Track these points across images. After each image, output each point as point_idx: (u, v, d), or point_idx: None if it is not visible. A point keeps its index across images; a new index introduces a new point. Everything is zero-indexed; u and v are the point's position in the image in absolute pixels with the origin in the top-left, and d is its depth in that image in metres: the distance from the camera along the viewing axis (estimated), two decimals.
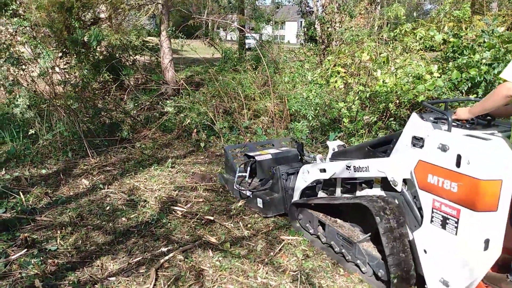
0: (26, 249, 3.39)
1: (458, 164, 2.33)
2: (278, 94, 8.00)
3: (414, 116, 2.73)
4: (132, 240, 3.58)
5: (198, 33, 10.95)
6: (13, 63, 8.01)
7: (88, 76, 8.00)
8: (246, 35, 16.06)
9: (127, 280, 2.98)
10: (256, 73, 9.37)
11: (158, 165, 5.94)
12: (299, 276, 3.07)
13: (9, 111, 7.18)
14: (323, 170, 3.54)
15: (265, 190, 4.30)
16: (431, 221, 2.56)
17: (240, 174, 4.62)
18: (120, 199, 4.58)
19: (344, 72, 6.16)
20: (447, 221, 2.45)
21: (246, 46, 17.05)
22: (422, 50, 6.35)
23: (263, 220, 4.07)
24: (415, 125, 2.68)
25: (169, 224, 3.91)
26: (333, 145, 3.73)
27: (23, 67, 7.74)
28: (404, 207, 2.86)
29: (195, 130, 7.63)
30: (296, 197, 3.93)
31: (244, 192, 4.50)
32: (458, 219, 2.38)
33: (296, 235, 3.72)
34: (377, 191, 3.11)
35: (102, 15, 10.35)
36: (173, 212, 4.22)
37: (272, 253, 3.40)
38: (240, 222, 3.98)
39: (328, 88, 7.27)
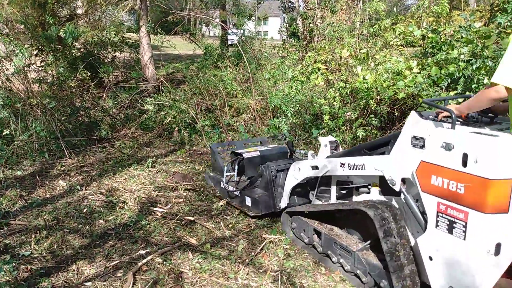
0: None
1: (464, 164, 2.21)
2: (260, 91, 7.95)
3: (413, 114, 2.57)
4: (109, 243, 3.49)
5: (177, 29, 10.78)
6: None
7: (64, 74, 7.79)
8: (228, 31, 15.95)
9: (104, 285, 2.90)
10: (238, 69, 9.30)
11: (138, 165, 5.83)
12: (280, 276, 3.03)
13: None
14: (315, 167, 3.40)
15: (254, 188, 4.15)
16: (436, 225, 2.43)
17: (228, 173, 4.47)
18: (98, 200, 4.47)
19: (325, 69, 6.14)
20: (454, 225, 2.32)
21: (229, 42, 16.95)
22: (402, 46, 6.39)
23: (245, 220, 4.02)
24: (415, 124, 2.53)
25: (148, 226, 3.83)
26: (325, 141, 3.59)
27: None
28: (406, 212, 2.73)
29: (176, 129, 7.54)
30: (286, 195, 3.82)
31: (232, 190, 4.34)
32: (466, 223, 2.25)
33: (278, 234, 3.69)
34: (375, 196, 2.97)
35: (78, 11, 10.10)
36: (153, 213, 4.14)
37: (253, 253, 3.36)
38: (221, 222, 3.92)
39: (309, 85, 7.26)
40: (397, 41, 6.05)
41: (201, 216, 4.06)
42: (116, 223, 3.89)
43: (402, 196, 2.68)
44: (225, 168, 4.49)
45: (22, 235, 3.64)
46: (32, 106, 6.78)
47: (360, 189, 3.11)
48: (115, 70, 9.51)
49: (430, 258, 2.49)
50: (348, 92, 5.50)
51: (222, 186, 4.51)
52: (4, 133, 6.33)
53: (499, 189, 2.13)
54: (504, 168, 2.11)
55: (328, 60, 6.18)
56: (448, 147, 2.30)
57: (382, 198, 2.91)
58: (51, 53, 8.77)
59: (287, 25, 15.09)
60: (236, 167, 4.49)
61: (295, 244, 3.55)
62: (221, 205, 4.33)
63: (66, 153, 6.08)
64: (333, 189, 3.41)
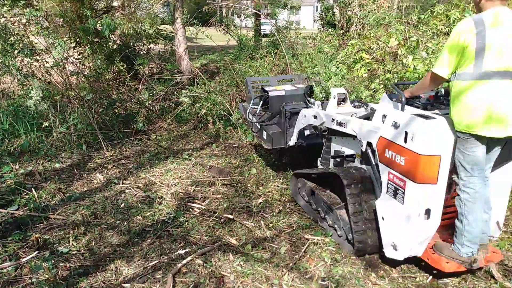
0: (37, 251, 3.22)
1: (405, 140, 2.58)
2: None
3: (384, 96, 3.09)
4: (147, 241, 3.38)
5: (214, 20, 10.62)
6: (26, 54, 7.89)
7: (101, 66, 7.80)
8: (262, 21, 15.65)
9: (143, 287, 2.78)
10: (274, 60, 9.04)
11: (174, 158, 5.73)
12: (329, 284, 2.81)
13: (23, 103, 7.05)
14: (315, 117, 3.88)
15: (272, 125, 4.66)
16: (387, 191, 2.82)
17: (253, 106, 4.96)
18: (135, 195, 4.38)
19: (369, 59, 5.77)
20: (397, 191, 2.70)
21: (262, 33, 16.65)
22: None
23: (286, 219, 3.81)
24: (383, 104, 3.06)
25: (186, 223, 3.69)
26: (335, 92, 3.88)
27: (37, 58, 7.60)
28: (375, 179, 3.07)
29: (211, 121, 7.40)
30: (294, 135, 4.32)
31: (255, 123, 4.88)
32: (404, 190, 2.63)
33: (322, 235, 3.45)
34: (357, 164, 3.41)
35: (115, 3, 10.11)
36: (191, 210, 4.00)
37: (297, 256, 3.15)
38: (262, 221, 3.73)
39: (350, 76, 6.91)
40: (450, 29, 5.59)
41: (240, 214, 3.88)
42: (154, 219, 3.78)
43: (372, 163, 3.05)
44: (252, 101, 5.00)
45: (61, 230, 3.59)
46: (70, 99, 6.82)
47: (348, 158, 3.56)
48: (151, 62, 9.45)
49: (382, 218, 2.89)
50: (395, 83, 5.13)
51: (248, 117, 5.03)
52: (43, 125, 6.39)
53: (428, 163, 2.49)
54: (433, 146, 2.49)
55: (374, 49, 5.79)
56: (396, 125, 2.68)
57: (360, 166, 3.34)
58: (89, 46, 8.84)
59: (323, 13, 14.61)
60: (262, 102, 4.89)
61: (340, 247, 3.31)
62: (260, 202, 4.14)
63: (103, 145, 6.07)
64: (331, 159, 3.86)
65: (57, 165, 5.46)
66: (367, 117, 3.33)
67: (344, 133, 3.43)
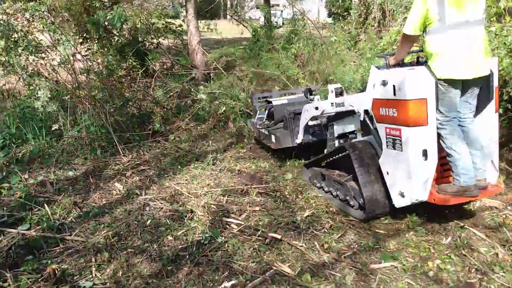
0: (55, 286, 2.71)
1: (394, 93, 2.88)
2: (323, 73, 7.10)
3: (372, 68, 3.29)
4: (184, 270, 2.85)
5: (230, 11, 10.04)
6: (31, 51, 7.36)
7: (112, 62, 7.26)
8: (272, 11, 14.98)
9: None
10: (294, 51, 8.44)
11: (198, 162, 5.20)
12: None
13: (30, 104, 6.53)
14: (317, 108, 4.20)
15: (278, 129, 5.04)
16: (387, 146, 3.06)
17: (260, 116, 5.49)
18: (162, 209, 3.85)
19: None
20: (395, 141, 2.95)
21: (274, 23, 15.98)
22: None
23: (341, 237, 3.27)
24: (373, 74, 3.22)
25: (226, 244, 3.16)
26: (331, 87, 4.10)
27: (43, 55, 7.08)
28: (376, 143, 3.34)
29: (231, 119, 6.85)
30: (300, 132, 4.61)
31: (262, 131, 5.29)
32: (400, 138, 2.89)
33: (390, 259, 2.90)
34: (359, 138, 3.72)
35: None
36: (228, 227, 3.47)
37: None
38: (314, 241, 3.18)
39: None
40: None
41: (286, 232, 3.34)
42: (188, 240, 3.25)
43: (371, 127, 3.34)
44: (258, 112, 5.54)
45: (81, 257, 3.06)
46: (81, 98, 6.30)
47: (350, 135, 3.93)
48: (162, 57, 8.87)
49: (387, 173, 3.11)
50: None
51: (256, 127, 5.46)
52: (53, 129, 5.88)
53: (416, 107, 2.78)
54: (419, 90, 2.80)
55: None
56: (384, 83, 2.98)
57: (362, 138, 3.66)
58: (97, 41, 8.29)
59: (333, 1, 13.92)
60: (267, 112, 5.46)
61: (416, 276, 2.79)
62: (306, 216, 3.60)
63: (119, 149, 5.55)
64: (336, 142, 4.14)
65: (70, 173, 4.95)
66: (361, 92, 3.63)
67: (344, 114, 3.86)
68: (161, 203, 3.96)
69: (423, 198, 2.98)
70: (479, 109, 3.11)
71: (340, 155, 3.70)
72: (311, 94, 4.98)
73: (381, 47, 6.67)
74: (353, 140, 3.78)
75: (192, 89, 7.61)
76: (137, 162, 5.24)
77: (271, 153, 5.41)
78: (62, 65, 6.67)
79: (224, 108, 6.87)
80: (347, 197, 3.57)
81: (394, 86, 2.89)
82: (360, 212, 3.47)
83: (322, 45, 8.15)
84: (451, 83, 2.85)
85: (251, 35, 10.60)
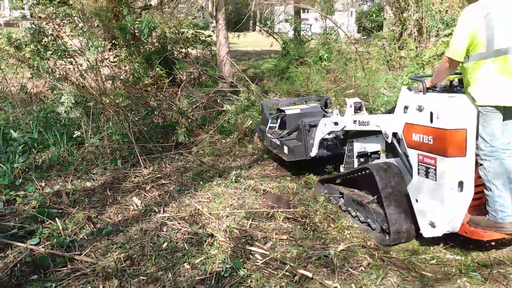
0: None
1: (431, 120, 2.79)
2: (357, 91, 6.71)
3: (403, 89, 3.21)
4: None
5: (258, 23, 9.81)
6: (60, 56, 7.30)
7: (139, 70, 7.09)
8: (303, 25, 14.71)
9: None
10: (325, 66, 8.11)
11: (221, 179, 4.88)
12: None
13: (55, 109, 6.41)
14: (336, 123, 4.16)
15: (291, 140, 4.92)
16: (418, 173, 2.97)
17: (271, 125, 5.29)
18: (180, 230, 3.53)
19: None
20: (429, 170, 2.85)
21: (302, 37, 15.73)
22: None
23: (381, 278, 2.85)
24: (404, 96, 3.15)
25: (249, 279, 2.80)
26: (350, 102, 4.08)
27: (71, 60, 6.98)
28: (404, 167, 3.25)
29: (256, 134, 6.52)
30: (315, 146, 4.54)
31: (274, 140, 5.13)
32: (435, 167, 2.79)
33: None
34: (383, 159, 3.58)
35: (152, 2, 9.45)
36: (251, 257, 3.11)
37: None
38: (351, 283, 2.78)
39: None
40: None
41: (318, 269, 2.95)
42: (206, 270, 2.91)
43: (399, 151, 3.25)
44: (270, 120, 5.31)
45: (88, 282, 2.76)
46: (105, 105, 6.12)
47: (373, 156, 3.79)
48: (190, 67, 8.68)
49: (416, 201, 3.02)
50: None
51: (267, 136, 5.28)
52: (75, 135, 5.71)
53: (455, 137, 2.74)
54: (458, 120, 2.76)
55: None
56: (420, 108, 2.92)
57: (386, 159, 3.52)
58: (125, 47, 8.18)
59: (372, 15, 13.55)
60: (279, 121, 5.28)
61: None
62: (341, 250, 3.20)
63: (140, 160, 5.30)
64: (355, 159, 4.06)
65: (88, 184, 4.72)
66: (388, 112, 3.56)
67: (366, 132, 3.73)
68: (180, 224, 3.65)
69: (454, 229, 2.93)
70: None
71: (361, 173, 3.61)
72: (327, 107, 5.03)
73: (425, 60, 6.25)
74: (376, 161, 3.68)
75: (219, 100, 7.34)
76: (158, 175, 4.97)
77: (291, 170, 5.05)
78: (89, 70, 6.55)
79: (250, 122, 6.58)
80: (369, 220, 3.50)
81: (431, 113, 2.81)
82: (382, 236, 3.37)
83: (356, 61, 7.79)
84: (495, 110, 2.77)
85: (280, 47, 10.38)
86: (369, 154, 3.84)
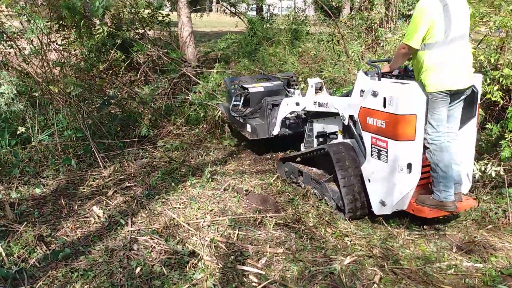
0: None
1: (384, 105, 2.93)
2: (338, 74, 6.26)
3: (360, 73, 3.32)
4: None
5: (221, 2, 9.09)
6: None
7: (92, 54, 6.26)
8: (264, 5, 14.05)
9: None
10: (298, 47, 7.59)
11: (195, 178, 4.31)
12: None
13: None
14: (298, 104, 4.29)
15: (254, 118, 4.95)
16: (371, 154, 3.13)
17: (235, 102, 5.19)
18: (154, 248, 2.96)
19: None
20: (381, 152, 3.03)
21: (265, 16, 15.08)
22: None
23: None
24: (361, 80, 3.24)
25: None
26: (312, 82, 4.11)
27: (11, 43, 6.01)
28: (359, 149, 3.36)
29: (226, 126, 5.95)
30: (277, 125, 4.67)
31: (237, 118, 5.11)
32: (387, 149, 2.96)
33: None
34: (340, 140, 3.73)
35: None
36: (245, 279, 2.61)
37: None
38: None
39: None
40: None
41: None
42: None
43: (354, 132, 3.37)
44: (233, 98, 5.19)
45: None
46: (53, 95, 5.30)
47: (331, 136, 3.94)
48: (150, 49, 7.84)
49: (369, 180, 3.21)
50: None
51: (230, 113, 5.21)
52: (18, 132, 4.87)
53: (406, 122, 2.86)
54: (409, 106, 2.86)
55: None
56: (374, 94, 3.01)
57: (343, 140, 3.68)
58: (74, 29, 7.24)
59: None
60: (242, 98, 5.18)
61: None
62: (348, 264, 2.77)
63: (98, 158, 4.60)
64: (315, 139, 4.18)
65: (38, 191, 4.00)
66: (347, 96, 3.68)
67: (326, 113, 3.84)
68: (153, 239, 3.07)
69: (402, 208, 3.09)
70: (461, 123, 3.17)
71: (319, 153, 3.74)
72: (289, 86, 4.98)
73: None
74: (334, 141, 3.82)
75: (183, 88, 6.67)
76: (121, 177, 4.31)
77: (270, 165, 4.57)
78: (33, 55, 5.66)
79: (221, 111, 5.98)
80: (325, 197, 3.66)
81: (384, 99, 2.90)
82: (340, 214, 3.51)
83: (332, 42, 7.32)
84: (445, 96, 2.89)
85: (246, 28, 9.73)
86: (327, 134, 3.99)
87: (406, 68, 3.35)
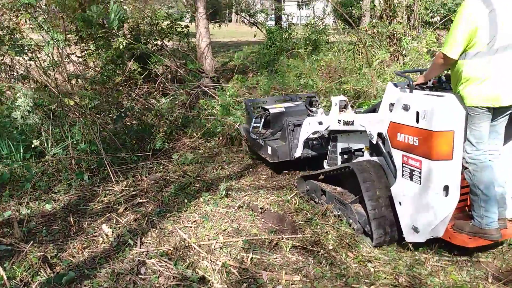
0: None
1: (417, 120, 2.63)
2: (356, 86, 6.03)
3: (389, 85, 3.04)
4: None
5: (239, 12, 9.00)
6: (17, 51, 6.33)
7: (108, 66, 6.22)
8: (283, 15, 13.94)
9: None
10: (320, 58, 7.39)
11: (209, 194, 4.14)
12: None
13: (10, 113, 5.47)
14: (320, 123, 4.03)
15: (275, 140, 4.74)
16: (402, 175, 2.84)
17: (255, 124, 4.96)
18: (163, 273, 2.78)
19: None
20: (413, 172, 2.72)
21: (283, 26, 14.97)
22: None
23: None
24: (390, 92, 2.97)
25: None
26: (335, 100, 3.85)
27: (32, 55, 6.02)
28: (387, 167, 3.08)
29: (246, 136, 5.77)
30: (300, 146, 4.38)
31: (257, 140, 4.86)
32: (420, 170, 2.66)
33: None
34: (366, 157, 3.44)
35: None
36: None
37: None
38: None
39: None
40: None
41: None
42: None
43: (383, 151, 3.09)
44: (253, 120, 4.95)
45: None
46: (70, 107, 5.26)
47: (356, 153, 3.67)
48: (167, 61, 7.80)
49: (400, 203, 2.89)
50: None
51: (250, 136, 4.95)
52: (33, 145, 4.83)
53: (442, 140, 2.56)
54: (446, 121, 2.56)
55: None
56: (406, 107, 2.73)
57: (370, 158, 3.38)
58: (93, 41, 7.25)
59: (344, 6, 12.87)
60: (263, 120, 4.98)
61: None
62: None
63: (111, 173, 4.49)
64: (339, 156, 3.92)
65: (48, 207, 3.90)
66: (373, 110, 3.35)
67: (351, 131, 3.58)
68: (162, 262, 2.89)
69: (438, 235, 2.78)
70: (505, 140, 2.88)
71: (344, 171, 3.47)
72: (312, 106, 4.72)
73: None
74: (360, 159, 3.54)
75: (202, 98, 6.55)
76: (133, 192, 4.18)
77: (288, 180, 4.35)
78: (51, 67, 5.64)
79: (239, 123, 5.81)
80: (351, 220, 3.37)
81: (417, 113, 2.64)
82: (365, 238, 3.23)
83: (353, 52, 7.07)
84: (486, 110, 2.60)
85: (265, 38, 9.60)
86: (352, 151, 3.73)
87: (440, 79, 3.07)
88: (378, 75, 5.92)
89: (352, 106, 4.23)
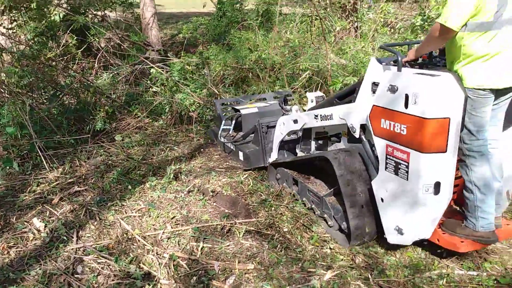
0: None
1: (406, 105, 2.22)
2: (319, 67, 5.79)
3: (372, 60, 2.60)
4: None
5: None
6: None
7: (39, 39, 5.59)
8: None
9: None
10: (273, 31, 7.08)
11: (155, 178, 3.84)
12: None
13: None
14: (296, 121, 3.53)
15: (247, 143, 4.31)
16: (386, 167, 2.44)
17: (225, 127, 4.55)
18: (103, 269, 2.50)
19: None
20: (399, 166, 2.33)
21: None
22: None
23: None
24: (373, 70, 2.56)
25: None
26: (312, 96, 3.61)
27: None
28: (368, 158, 2.70)
29: (195, 113, 5.45)
30: (274, 150, 3.91)
31: (228, 145, 4.49)
32: (408, 163, 2.27)
33: None
34: (344, 144, 3.10)
35: None
36: None
37: None
38: None
39: None
40: None
41: None
42: None
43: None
44: (223, 122, 4.53)
45: None
46: None
47: (332, 139, 3.26)
48: (109, 32, 7.16)
49: (382, 200, 2.52)
50: None
51: (219, 139, 4.55)
52: None
53: (436, 129, 2.14)
54: (441, 107, 2.14)
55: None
56: (393, 89, 2.29)
57: (349, 145, 3.01)
58: (24, 11, 6.50)
59: None
60: (234, 122, 4.56)
61: None
62: (329, 280, 2.40)
63: (44, 159, 4.05)
64: (313, 142, 3.58)
65: None
66: (347, 94, 2.98)
67: (331, 125, 3.10)
68: (102, 258, 2.60)
69: (425, 237, 2.44)
70: (504, 127, 2.48)
71: (318, 160, 3.19)
72: (286, 104, 4.25)
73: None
74: (337, 145, 3.20)
75: (148, 74, 6.11)
76: (70, 180, 3.79)
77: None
78: None
79: (189, 101, 5.44)
80: (325, 215, 3.01)
81: (407, 96, 2.19)
82: (341, 236, 2.88)
83: (302, 23, 6.84)
84: (489, 93, 2.18)
85: (215, 7, 9.11)
86: (328, 136, 3.32)
87: (431, 54, 2.65)
88: (336, 52, 5.74)
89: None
